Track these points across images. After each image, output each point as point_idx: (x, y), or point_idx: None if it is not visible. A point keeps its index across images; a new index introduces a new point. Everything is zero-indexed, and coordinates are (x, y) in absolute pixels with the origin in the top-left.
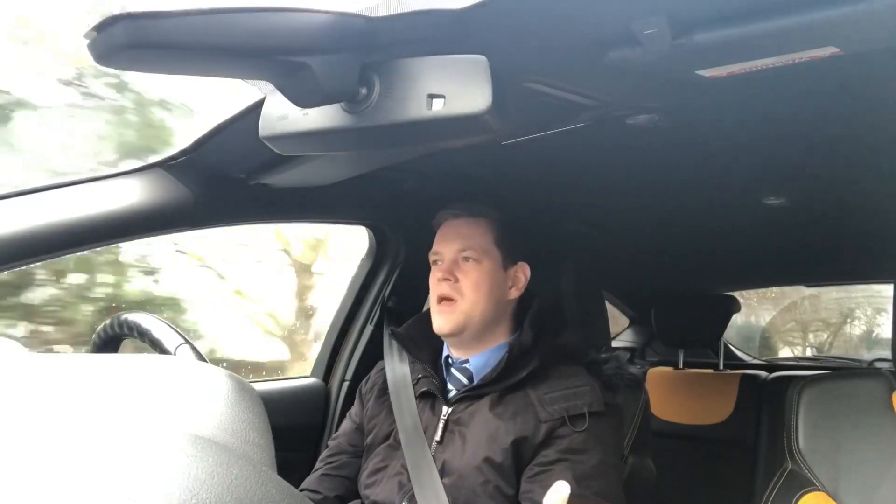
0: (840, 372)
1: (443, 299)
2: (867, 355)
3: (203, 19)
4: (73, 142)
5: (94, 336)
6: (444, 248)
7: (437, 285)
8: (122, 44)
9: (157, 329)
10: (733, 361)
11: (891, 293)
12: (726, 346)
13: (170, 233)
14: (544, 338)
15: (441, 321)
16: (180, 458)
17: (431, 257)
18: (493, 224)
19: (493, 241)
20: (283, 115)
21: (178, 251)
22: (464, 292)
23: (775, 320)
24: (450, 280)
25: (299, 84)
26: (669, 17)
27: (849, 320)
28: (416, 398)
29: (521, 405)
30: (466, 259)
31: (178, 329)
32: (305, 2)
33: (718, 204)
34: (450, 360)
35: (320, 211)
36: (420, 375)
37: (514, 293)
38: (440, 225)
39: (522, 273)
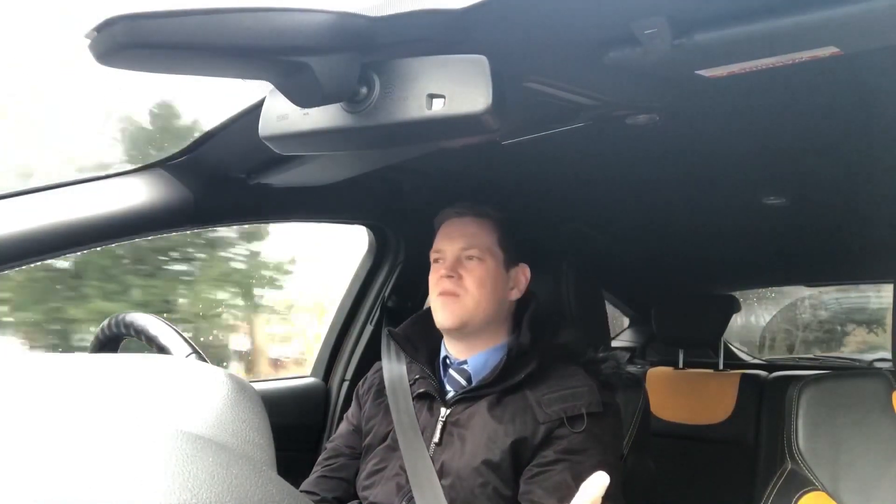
0: (840, 372)
1: (445, 294)
2: (867, 355)
3: (203, 19)
4: None
5: (94, 336)
6: (448, 246)
7: (439, 282)
8: (122, 44)
9: (157, 329)
10: (733, 361)
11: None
12: (726, 346)
13: (170, 232)
14: (542, 338)
15: (444, 314)
16: (180, 458)
17: (433, 255)
18: (496, 224)
19: (496, 241)
20: (283, 115)
21: None
22: (467, 289)
23: None
24: (453, 277)
25: (299, 84)
26: (669, 17)
27: None
28: (413, 399)
29: (519, 407)
30: (470, 258)
31: (177, 329)
32: (305, 2)
33: (718, 204)
34: (448, 361)
35: (320, 211)
36: (417, 376)
37: (515, 294)
38: (443, 223)
39: (523, 274)
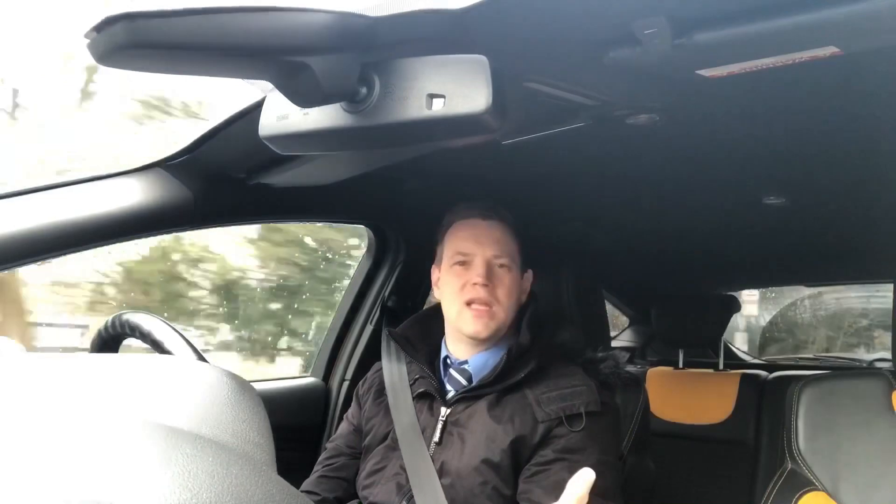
0: (840, 372)
1: (478, 303)
2: (867, 355)
3: (203, 19)
4: None
5: (94, 336)
6: (477, 250)
7: (471, 289)
8: (121, 44)
9: (158, 329)
10: (733, 361)
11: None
12: (726, 346)
13: (170, 232)
14: (541, 338)
15: (479, 326)
16: (180, 458)
17: (456, 257)
18: (516, 231)
19: (518, 249)
20: (283, 115)
21: None
22: (499, 299)
23: None
24: (488, 286)
25: (299, 84)
26: (669, 17)
27: None
28: (413, 399)
29: (518, 406)
30: (502, 266)
31: (177, 329)
32: (305, 2)
33: (718, 204)
34: (448, 361)
35: (320, 211)
36: (417, 376)
37: (523, 299)
38: (463, 223)
39: (529, 281)
